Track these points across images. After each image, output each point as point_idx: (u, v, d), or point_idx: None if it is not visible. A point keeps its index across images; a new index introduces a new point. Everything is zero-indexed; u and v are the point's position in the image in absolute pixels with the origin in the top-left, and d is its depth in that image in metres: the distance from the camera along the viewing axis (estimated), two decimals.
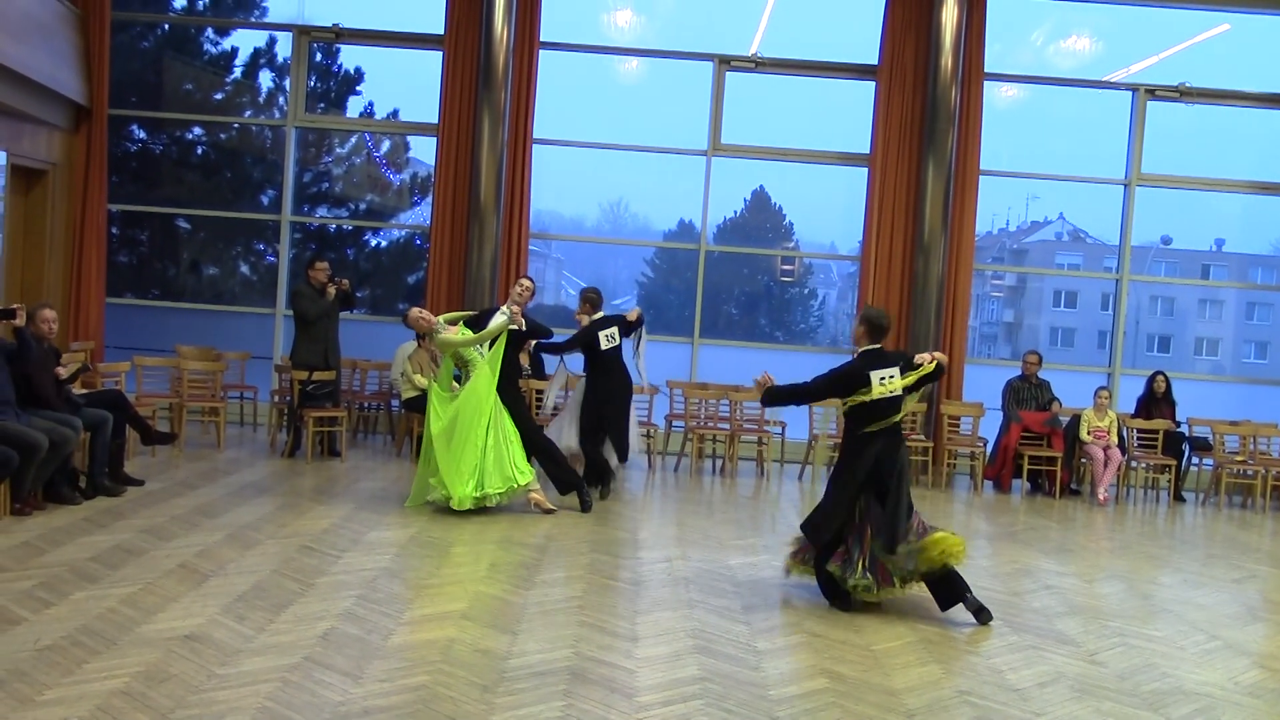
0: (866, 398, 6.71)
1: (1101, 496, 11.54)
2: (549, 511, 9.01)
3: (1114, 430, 11.93)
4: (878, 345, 6.90)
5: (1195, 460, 12.79)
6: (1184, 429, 12.61)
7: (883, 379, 6.71)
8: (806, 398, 7.05)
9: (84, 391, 9.34)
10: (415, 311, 9.05)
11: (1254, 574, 8.75)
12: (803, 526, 7.01)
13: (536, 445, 9.13)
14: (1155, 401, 12.54)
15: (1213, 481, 12.28)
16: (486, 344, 9.00)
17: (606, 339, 9.94)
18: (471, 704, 4.77)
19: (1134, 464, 12.27)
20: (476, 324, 9.17)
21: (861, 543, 6.69)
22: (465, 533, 8.14)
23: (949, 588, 6.67)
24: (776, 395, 7.01)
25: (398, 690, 4.87)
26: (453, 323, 9.22)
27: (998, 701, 5.25)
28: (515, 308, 9.07)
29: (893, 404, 6.79)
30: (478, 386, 8.81)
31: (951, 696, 5.29)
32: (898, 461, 6.70)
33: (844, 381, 6.79)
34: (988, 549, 9.21)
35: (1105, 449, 11.74)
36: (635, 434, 10.66)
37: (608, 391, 9.99)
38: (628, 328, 10.06)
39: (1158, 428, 12.25)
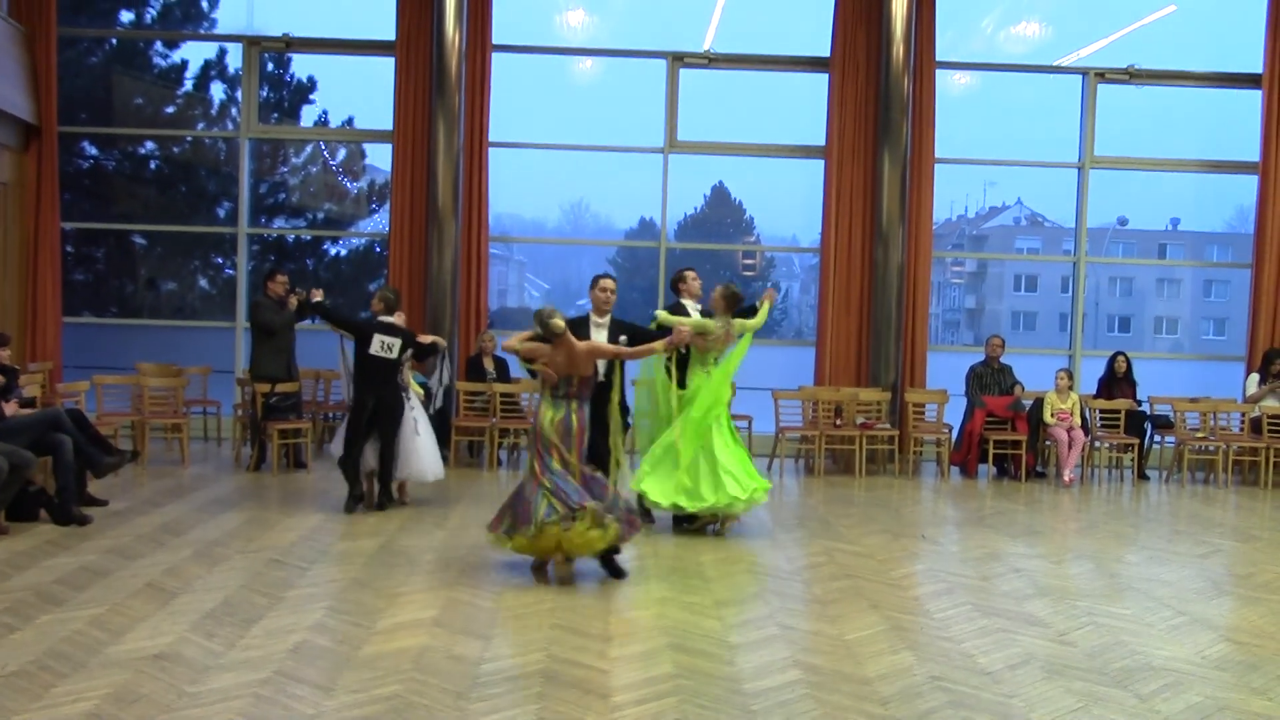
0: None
1: (1067, 478, 11.64)
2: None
3: (1077, 412, 12.03)
4: None
5: (1157, 438, 12.91)
6: (1145, 408, 12.74)
7: None
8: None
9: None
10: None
11: (1218, 548, 8.85)
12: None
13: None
14: (1116, 381, 12.66)
15: (1175, 458, 12.42)
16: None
17: (381, 345, 9.01)
18: (445, 711, 4.76)
19: (1097, 444, 12.38)
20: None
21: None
22: (435, 540, 8.11)
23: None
24: None
25: (371, 700, 4.84)
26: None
27: (970, 685, 5.29)
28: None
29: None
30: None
31: (924, 682, 5.32)
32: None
33: None
34: (956, 534, 9.28)
35: (1069, 430, 11.85)
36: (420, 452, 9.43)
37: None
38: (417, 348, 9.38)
39: (1119, 407, 12.37)
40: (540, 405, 7.16)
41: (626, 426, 8.26)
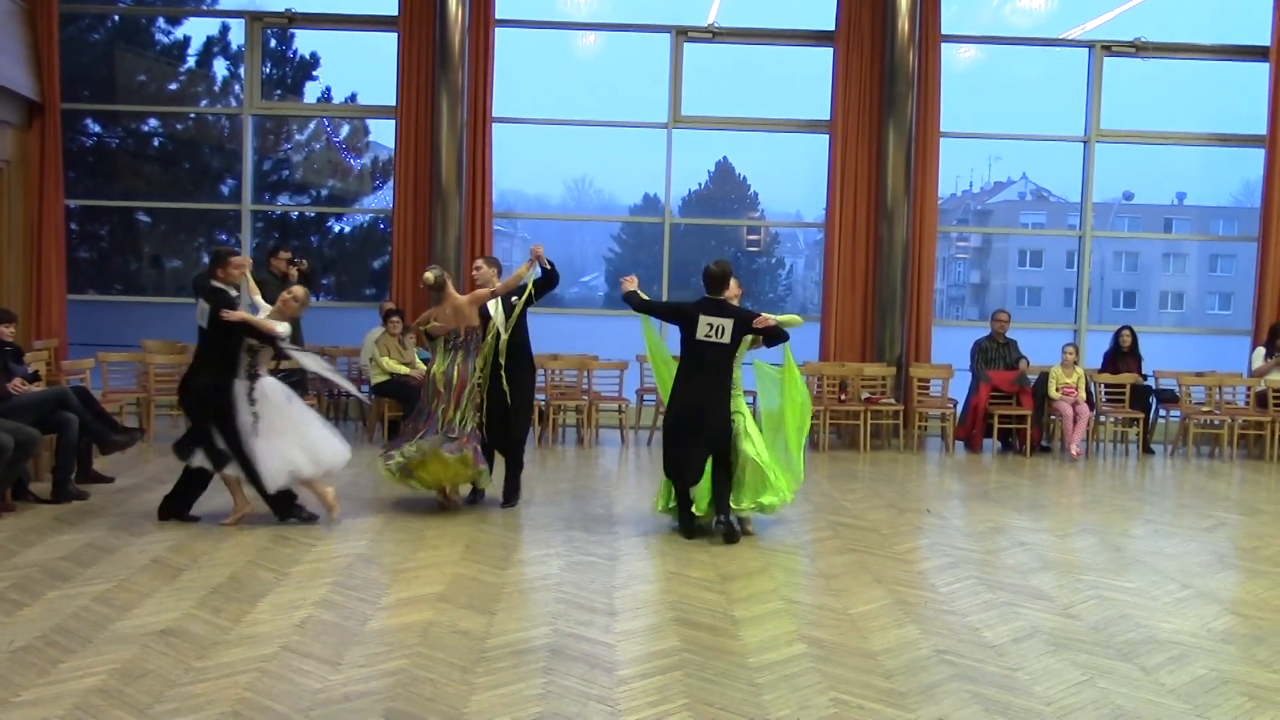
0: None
1: (1074, 452, 11.63)
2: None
3: (1082, 386, 12.01)
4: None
5: (1162, 412, 12.89)
6: (1151, 382, 12.72)
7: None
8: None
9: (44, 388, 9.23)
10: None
11: (1223, 522, 8.85)
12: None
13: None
14: (1122, 356, 12.63)
15: (1180, 433, 12.41)
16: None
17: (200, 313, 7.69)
18: (451, 685, 4.77)
19: (1102, 419, 12.37)
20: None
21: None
22: (440, 516, 8.12)
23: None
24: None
25: (377, 675, 4.86)
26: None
27: (975, 659, 5.30)
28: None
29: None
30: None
31: (929, 656, 5.33)
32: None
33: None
34: (961, 509, 9.29)
35: (1074, 405, 11.82)
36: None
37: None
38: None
39: (1125, 382, 12.34)
40: (432, 359, 8.15)
41: None
